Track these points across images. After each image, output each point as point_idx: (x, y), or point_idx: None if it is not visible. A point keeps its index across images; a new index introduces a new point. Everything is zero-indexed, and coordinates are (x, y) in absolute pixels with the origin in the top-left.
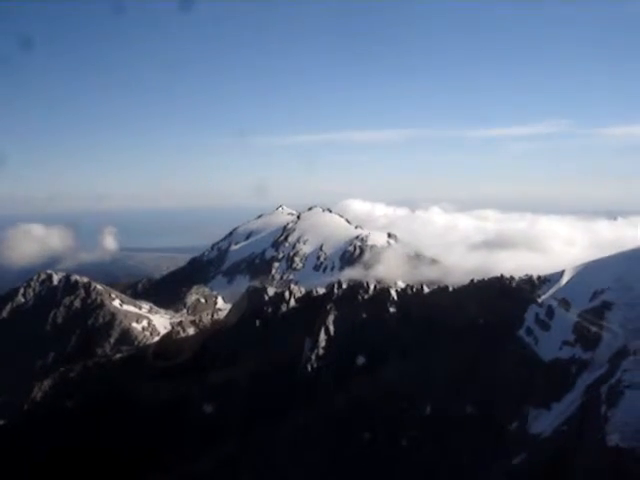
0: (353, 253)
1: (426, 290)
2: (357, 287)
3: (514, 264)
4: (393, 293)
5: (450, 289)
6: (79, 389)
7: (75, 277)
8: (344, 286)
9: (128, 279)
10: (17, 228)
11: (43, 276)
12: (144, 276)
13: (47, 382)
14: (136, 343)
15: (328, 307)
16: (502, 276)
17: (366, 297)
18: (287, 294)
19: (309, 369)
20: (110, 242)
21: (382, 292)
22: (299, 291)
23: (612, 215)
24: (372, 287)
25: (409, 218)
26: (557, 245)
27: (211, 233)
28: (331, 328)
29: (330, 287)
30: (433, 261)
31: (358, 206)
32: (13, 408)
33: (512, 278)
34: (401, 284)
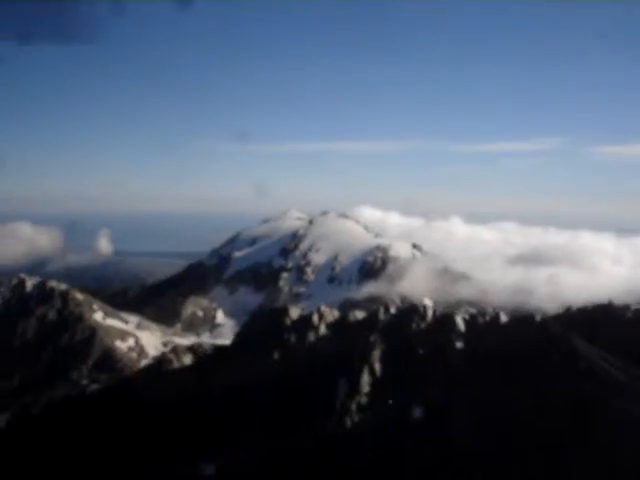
0: (373, 265)
1: (503, 319)
2: (410, 312)
3: (560, 283)
4: (459, 322)
5: (537, 318)
6: (41, 430)
7: (52, 284)
8: (392, 310)
9: (120, 284)
10: (4, 227)
11: (15, 281)
12: (136, 282)
13: (4, 417)
14: (119, 367)
15: (372, 339)
16: (610, 303)
17: (423, 326)
18: (316, 318)
19: (347, 423)
20: (104, 245)
21: (444, 320)
22: (331, 314)
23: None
24: (430, 313)
25: (426, 228)
26: (603, 263)
27: (212, 239)
28: (377, 367)
29: (374, 311)
30: (464, 277)
31: (369, 213)
32: None
33: (627, 307)
34: (429, 302)
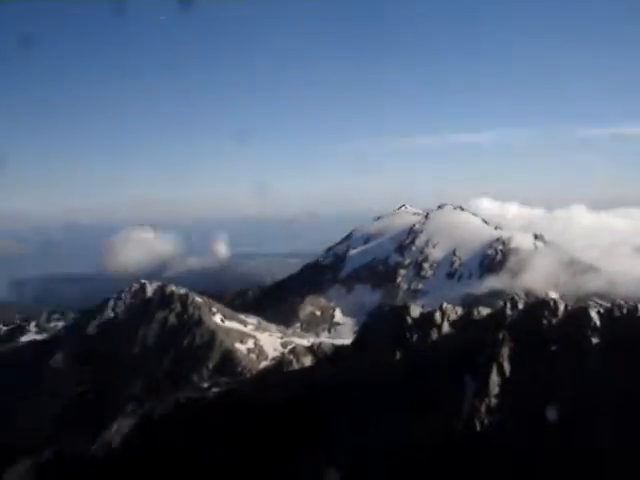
0: (494, 258)
1: None
2: (539, 307)
3: None
4: (594, 315)
5: None
6: (165, 433)
7: (171, 288)
8: (520, 305)
9: (239, 286)
10: (127, 233)
11: (136, 286)
12: (255, 283)
13: (128, 422)
14: (239, 369)
15: (500, 336)
16: None
17: (554, 322)
18: (438, 315)
19: (477, 426)
20: (221, 248)
21: (577, 314)
22: (454, 312)
23: None
24: (562, 308)
25: (548, 218)
26: None
27: (326, 238)
28: (506, 366)
29: (500, 307)
30: (592, 268)
31: (487, 205)
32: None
33: None
34: (555, 295)
